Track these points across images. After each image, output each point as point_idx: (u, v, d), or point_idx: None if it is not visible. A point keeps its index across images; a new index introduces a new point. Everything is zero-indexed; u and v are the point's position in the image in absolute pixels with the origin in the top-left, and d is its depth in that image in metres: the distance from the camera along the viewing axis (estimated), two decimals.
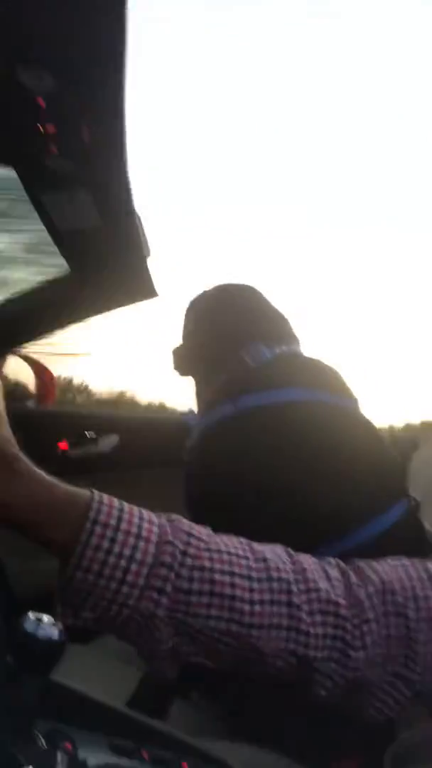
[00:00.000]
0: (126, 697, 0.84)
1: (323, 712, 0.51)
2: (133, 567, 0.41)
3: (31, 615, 0.43)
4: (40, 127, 0.62)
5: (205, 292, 1.16)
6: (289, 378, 0.98)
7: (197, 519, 0.49)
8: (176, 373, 1.20)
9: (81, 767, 0.41)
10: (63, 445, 1.43)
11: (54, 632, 0.42)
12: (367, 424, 0.98)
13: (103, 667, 0.91)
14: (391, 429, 1.51)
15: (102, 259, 0.98)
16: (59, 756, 0.40)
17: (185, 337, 1.16)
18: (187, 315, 1.17)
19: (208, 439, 0.99)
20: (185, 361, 1.16)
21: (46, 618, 0.43)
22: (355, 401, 1.01)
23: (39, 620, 0.43)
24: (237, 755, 0.61)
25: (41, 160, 0.69)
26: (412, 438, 1.47)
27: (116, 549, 0.41)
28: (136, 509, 0.45)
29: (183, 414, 1.24)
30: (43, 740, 0.41)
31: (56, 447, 1.41)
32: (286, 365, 1.01)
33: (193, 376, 1.16)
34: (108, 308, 1.17)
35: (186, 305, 1.19)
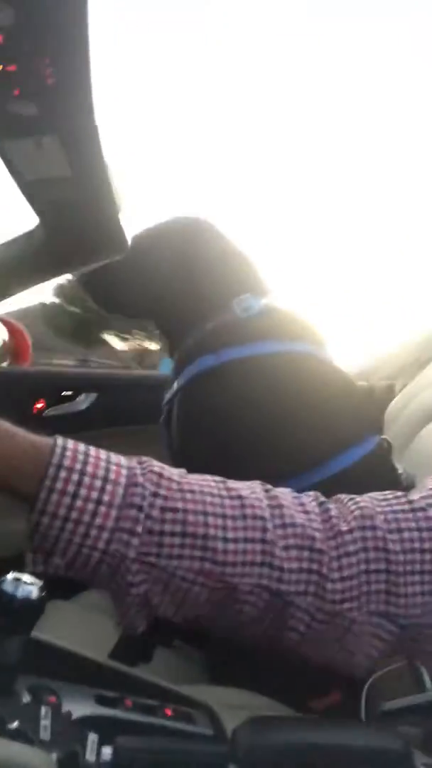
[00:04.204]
0: (108, 650, 0.86)
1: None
2: (102, 509, 0.41)
3: (10, 575, 0.43)
4: (1, 66, 0.58)
5: (177, 224, 1.07)
6: (272, 331, 0.98)
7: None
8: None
9: (66, 719, 0.42)
10: (40, 404, 1.41)
11: (33, 591, 0.42)
12: (340, 371, 1.03)
13: (84, 621, 0.93)
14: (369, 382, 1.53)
15: (71, 211, 0.94)
16: (43, 710, 0.40)
17: (150, 272, 1.06)
18: (158, 247, 1.06)
19: (189, 392, 0.99)
20: (146, 300, 1.09)
21: (25, 577, 0.43)
22: (328, 351, 1.03)
23: (18, 580, 0.43)
24: (218, 698, 0.63)
25: (3, 103, 0.65)
26: (388, 386, 1.48)
27: (82, 492, 0.41)
28: (103, 453, 0.44)
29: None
30: (27, 695, 0.42)
31: (33, 407, 1.40)
32: (270, 318, 1.00)
33: (162, 319, 1.11)
34: (78, 264, 1.13)
35: (150, 233, 1.08)
